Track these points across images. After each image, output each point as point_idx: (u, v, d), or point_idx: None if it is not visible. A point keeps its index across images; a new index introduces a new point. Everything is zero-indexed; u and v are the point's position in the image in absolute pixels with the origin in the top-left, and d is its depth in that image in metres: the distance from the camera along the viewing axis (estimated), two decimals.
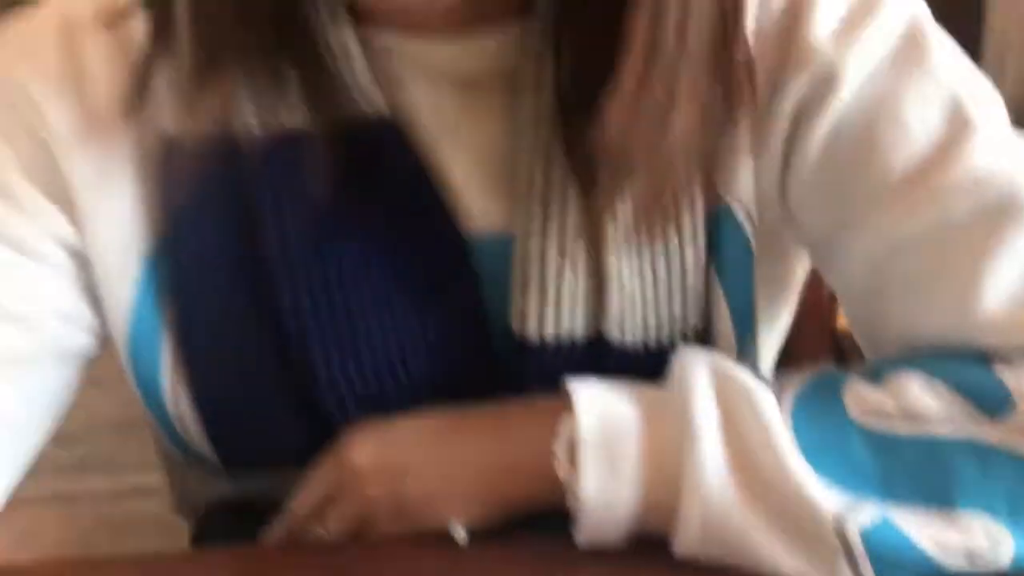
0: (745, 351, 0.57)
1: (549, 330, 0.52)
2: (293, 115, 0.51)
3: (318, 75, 0.51)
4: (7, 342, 0.52)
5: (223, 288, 0.53)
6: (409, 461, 0.51)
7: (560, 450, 0.47)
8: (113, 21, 0.52)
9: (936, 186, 0.49)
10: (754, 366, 0.59)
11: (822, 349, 1.27)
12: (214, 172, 0.51)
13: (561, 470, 0.47)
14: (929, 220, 0.50)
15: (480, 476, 0.50)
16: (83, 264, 0.54)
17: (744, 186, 0.54)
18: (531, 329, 0.52)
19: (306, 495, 0.53)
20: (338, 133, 0.51)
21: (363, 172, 0.52)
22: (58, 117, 0.52)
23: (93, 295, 0.55)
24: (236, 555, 0.56)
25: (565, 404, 0.48)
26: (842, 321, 1.49)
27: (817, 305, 1.30)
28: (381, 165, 0.52)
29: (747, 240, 0.56)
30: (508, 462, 0.50)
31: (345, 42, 0.51)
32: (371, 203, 0.52)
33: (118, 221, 0.53)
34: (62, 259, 0.54)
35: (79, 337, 0.55)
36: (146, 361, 0.55)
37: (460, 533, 0.52)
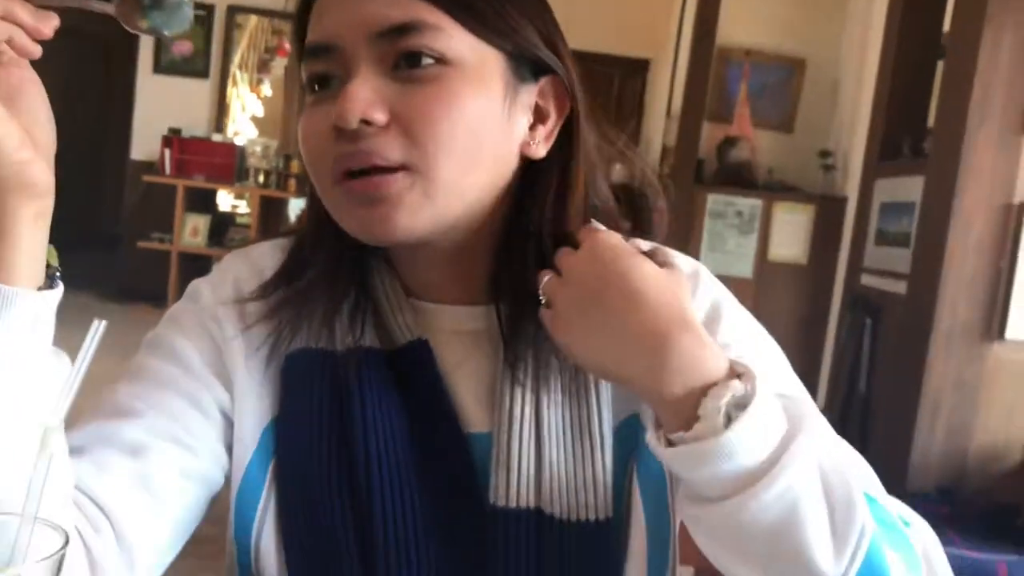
0: (658, 544, 0.81)
1: (511, 502, 0.76)
2: (368, 340, 0.81)
3: (382, 317, 0.82)
4: (182, 462, 0.78)
5: (315, 452, 0.78)
6: (598, 299, 0.71)
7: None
8: (266, 289, 0.83)
9: None
10: (667, 558, 0.83)
11: None
12: (315, 378, 0.79)
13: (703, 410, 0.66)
14: None
15: (627, 370, 0.70)
16: (229, 425, 0.81)
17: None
18: (500, 499, 0.77)
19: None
20: (395, 351, 0.81)
21: (407, 381, 0.80)
22: (232, 335, 0.82)
23: (229, 447, 0.81)
24: None
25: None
26: None
27: None
28: (419, 378, 0.80)
29: (658, 466, 0.79)
30: (649, 382, 0.69)
31: (400, 302, 0.83)
32: (410, 405, 0.80)
33: (254, 404, 0.81)
34: (218, 418, 0.81)
35: (217, 473, 0.81)
36: (247, 500, 0.80)
37: None
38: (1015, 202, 2.24)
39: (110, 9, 0.66)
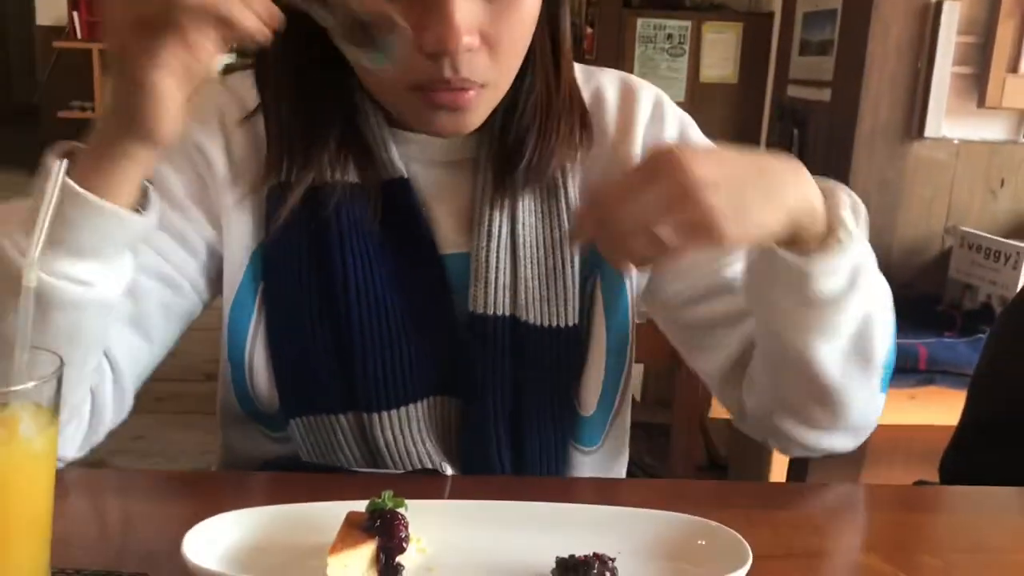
0: (617, 355, 0.92)
1: (489, 310, 0.86)
2: (349, 175, 0.86)
3: (366, 153, 0.86)
4: (167, 298, 0.85)
5: (297, 275, 0.84)
6: (744, 178, 0.70)
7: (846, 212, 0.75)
8: (248, 117, 0.88)
9: None
10: (623, 371, 0.94)
11: (694, 434, 1.54)
12: (299, 205, 0.84)
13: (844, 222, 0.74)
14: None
15: (791, 207, 0.72)
16: (211, 257, 0.88)
17: None
18: (479, 307, 0.86)
19: (637, 207, 0.68)
20: (375, 186, 0.86)
21: (386, 213, 0.86)
22: (218, 167, 0.87)
23: (212, 278, 0.89)
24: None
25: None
26: (712, 413, 1.72)
27: (691, 401, 1.48)
28: (397, 210, 0.87)
29: (623, 280, 0.91)
30: (810, 205, 0.73)
31: (385, 137, 0.87)
32: (388, 232, 0.86)
33: (241, 231, 0.87)
34: (203, 252, 0.88)
35: (198, 306, 0.89)
36: (239, 323, 0.87)
37: (447, 469, 0.85)
38: (931, 1, 2.28)
39: (329, 23, 0.69)
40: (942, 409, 1.89)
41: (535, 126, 0.86)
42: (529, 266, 0.87)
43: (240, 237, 0.87)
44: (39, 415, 0.57)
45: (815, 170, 0.76)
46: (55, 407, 0.58)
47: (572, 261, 0.88)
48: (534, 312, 0.87)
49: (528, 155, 0.86)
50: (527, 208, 0.88)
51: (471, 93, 0.78)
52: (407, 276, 0.86)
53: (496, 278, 0.86)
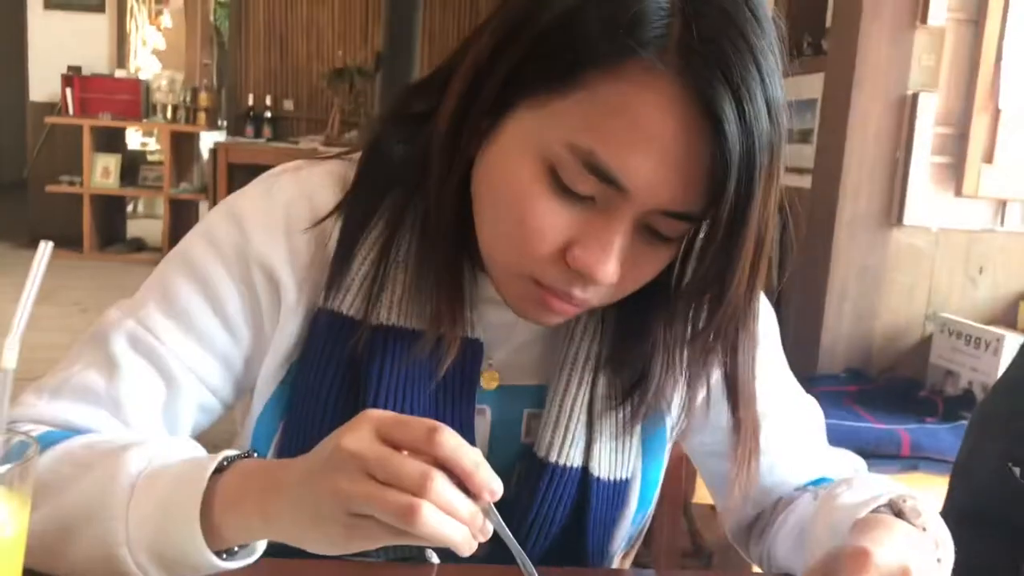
0: (644, 496, 0.89)
1: (561, 460, 0.82)
2: (411, 321, 0.80)
3: (439, 303, 0.79)
4: (198, 422, 0.84)
5: (324, 404, 0.80)
6: None
7: None
8: (318, 231, 0.82)
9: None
10: (647, 510, 0.92)
11: (678, 520, 1.61)
12: (336, 347, 0.80)
13: None
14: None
15: None
16: (249, 372, 0.84)
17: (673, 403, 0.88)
18: (551, 456, 0.82)
19: None
20: (440, 339, 0.79)
21: (438, 362, 0.80)
22: (281, 283, 0.81)
23: (242, 389, 0.86)
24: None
25: None
26: (696, 497, 1.74)
27: (675, 486, 1.52)
28: (460, 362, 0.81)
29: (664, 431, 0.90)
30: None
31: (467, 293, 0.81)
32: (431, 390, 0.81)
33: (280, 348, 0.82)
34: (240, 370, 0.84)
35: (220, 414, 0.86)
36: (262, 434, 0.84)
37: (433, 557, 0.80)
38: (908, 93, 2.34)
39: None
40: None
41: (671, 376, 0.84)
42: (604, 414, 0.84)
43: (283, 349, 0.83)
44: (10, 498, 0.56)
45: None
46: (26, 491, 0.57)
47: (641, 412, 0.85)
48: (603, 465, 0.84)
49: (648, 400, 0.84)
50: (605, 354, 0.85)
51: (579, 308, 0.77)
52: (443, 415, 0.82)
53: (572, 426, 0.83)
